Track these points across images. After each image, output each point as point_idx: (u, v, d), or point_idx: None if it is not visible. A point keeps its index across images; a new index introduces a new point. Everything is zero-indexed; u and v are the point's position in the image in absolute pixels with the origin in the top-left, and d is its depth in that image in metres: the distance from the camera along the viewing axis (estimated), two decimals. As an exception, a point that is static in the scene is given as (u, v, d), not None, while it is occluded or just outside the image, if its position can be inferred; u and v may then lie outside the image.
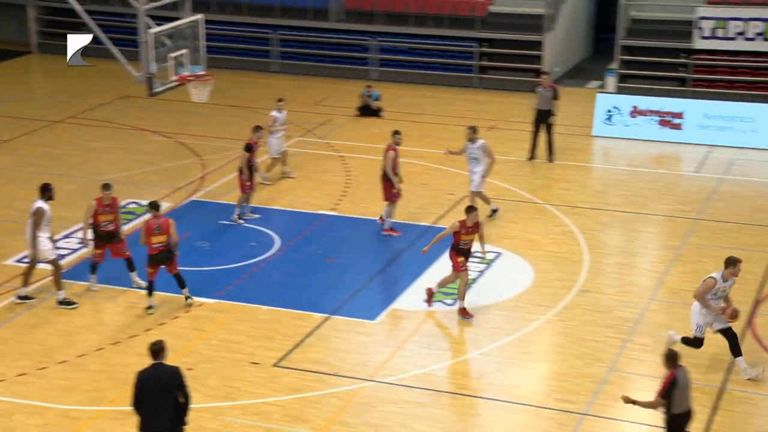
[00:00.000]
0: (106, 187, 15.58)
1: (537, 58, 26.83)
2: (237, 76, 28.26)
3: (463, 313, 14.93)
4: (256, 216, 18.54)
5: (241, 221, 18.30)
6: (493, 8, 27.52)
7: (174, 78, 18.54)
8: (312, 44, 29.01)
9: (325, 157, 22.06)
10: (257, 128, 18.97)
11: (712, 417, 12.45)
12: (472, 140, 17.98)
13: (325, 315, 15.15)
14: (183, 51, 18.68)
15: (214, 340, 14.55)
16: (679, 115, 22.57)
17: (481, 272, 16.42)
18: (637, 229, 18.22)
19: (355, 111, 24.94)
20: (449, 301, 15.50)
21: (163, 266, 15.01)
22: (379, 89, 25.50)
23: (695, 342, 13.29)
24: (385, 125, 23.97)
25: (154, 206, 14.98)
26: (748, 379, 13.13)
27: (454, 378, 13.54)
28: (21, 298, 15.54)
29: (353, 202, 19.43)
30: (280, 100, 20.63)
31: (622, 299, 15.52)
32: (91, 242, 15.73)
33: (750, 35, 24.57)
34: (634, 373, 13.55)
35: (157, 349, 10.56)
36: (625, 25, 26.34)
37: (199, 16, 19.40)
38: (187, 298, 15.34)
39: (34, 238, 15.01)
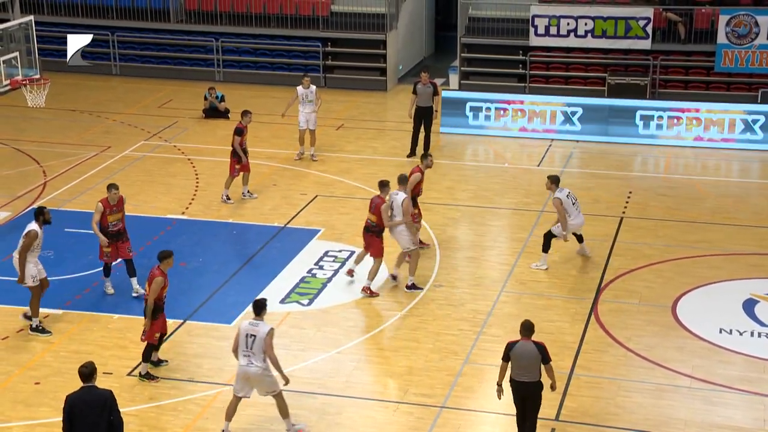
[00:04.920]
0: (111, 187, 15.35)
1: (381, 57, 27.12)
2: (76, 79, 27.40)
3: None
4: (255, 196, 19.29)
5: (231, 201, 19.18)
6: (336, 8, 27.63)
7: (6, 82, 17.91)
8: (153, 46, 28.45)
9: (173, 161, 21.68)
10: (246, 113, 19.31)
11: (562, 401, 12.90)
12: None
13: (180, 320, 14.90)
14: (14, 54, 18.08)
15: (63, 351, 14.12)
16: (522, 112, 23.28)
17: (336, 271, 16.49)
18: (486, 223, 18.67)
19: (201, 113, 24.62)
20: (305, 302, 15.51)
21: None
22: (224, 91, 25.24)
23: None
24: (232, 126, 23.63)
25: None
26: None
27: (312, 378, 13.54)
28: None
29: (203, 205, 19.17)
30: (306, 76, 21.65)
31: (474, 292, 15.86)
32: (105, 241, 15.41)
33: (581, 32, 25.53)
34: (488, 364, 13.88)
35: (88, 372, 10.40)
36: (464, 24, 26.92)
37: (29, 18, 18.77)
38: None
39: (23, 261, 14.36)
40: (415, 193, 16.72)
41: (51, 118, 24.08)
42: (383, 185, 15.64)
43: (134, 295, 15.58)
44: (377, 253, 15.62)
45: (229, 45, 27.84)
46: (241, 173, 19.24)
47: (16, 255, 14.50)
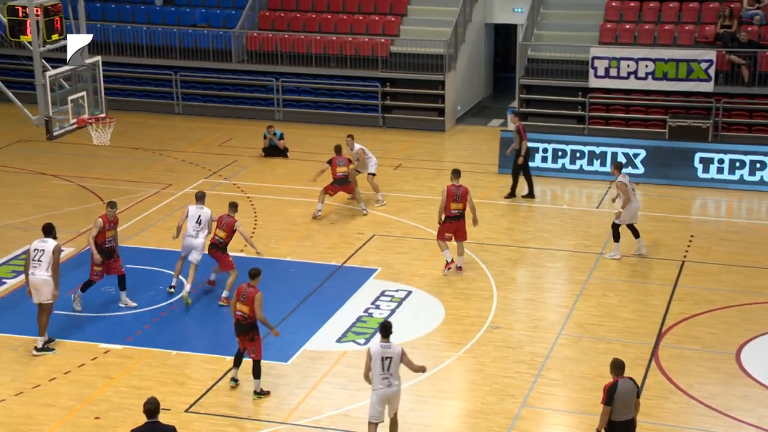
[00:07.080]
0: (111, 204, 16.22)
1: (440, 98, 27.21)
2: (139, 118, 27.92)
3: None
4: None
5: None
6: (395, 48, 27.84)
7: (73, 121, 18.26)
8: (215, 85, 28.89)
9: (232, 198, 21.84)
10: (338, 147, 20.72)
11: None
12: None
13: (237, 358, 14.95)
14: (81, 93, 18.46)
15: (123, 387, 14.24)
16: (581, 153, 23.14)
17: (392, 311, 16.45)
18: (544, 265, 18.53)
19: (260, 152, 24.88)
20: (361, 341, 15.48)
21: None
22: (284, 129, 25.48)
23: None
24: (291, 165, 23.99)
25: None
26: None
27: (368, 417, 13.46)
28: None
29: (261, 243, 19.26)
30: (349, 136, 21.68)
31: (532, 335, 15.72)
32: (99, 259, 15.99)
33: (641, 74, 25.39)
34: (546, 408, 13.72)
35: (153, 408, 10.63)
36: (523, 65, 26.92)
37: (96, 58, 19.16)
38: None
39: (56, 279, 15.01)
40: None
41: (115, 156, 24.48)
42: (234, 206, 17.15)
43: (121, 305, 16.29)
44: (227, 267, 16.74)
45: (289, 85, 28.16)
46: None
47: (48, 273, 14.85)
